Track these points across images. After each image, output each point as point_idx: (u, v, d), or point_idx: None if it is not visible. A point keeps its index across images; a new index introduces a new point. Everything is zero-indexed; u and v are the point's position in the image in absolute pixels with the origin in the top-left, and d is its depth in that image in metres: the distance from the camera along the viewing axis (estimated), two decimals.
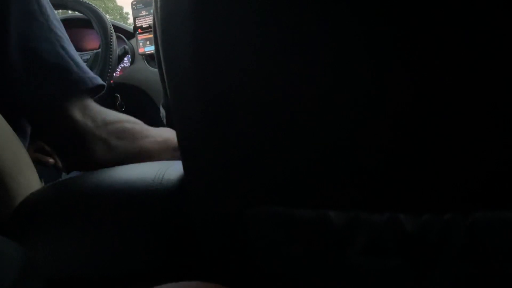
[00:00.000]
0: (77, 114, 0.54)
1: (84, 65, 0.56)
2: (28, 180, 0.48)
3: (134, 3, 1.28)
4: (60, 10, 1.29)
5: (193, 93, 0.30)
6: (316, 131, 0.28)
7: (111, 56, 1.10)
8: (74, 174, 0.83)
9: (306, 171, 0.29)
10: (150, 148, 0.60)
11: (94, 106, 0.57)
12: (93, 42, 1.28)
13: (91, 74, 0.56)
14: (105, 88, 0.59)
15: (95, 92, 0.58)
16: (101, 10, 1.19)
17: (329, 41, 0.25)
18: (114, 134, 0.57)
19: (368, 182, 0.27)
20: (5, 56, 0.51)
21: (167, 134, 0.64)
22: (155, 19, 0.32)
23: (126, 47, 1.31)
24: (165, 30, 0.30)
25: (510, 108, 0.24)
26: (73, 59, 0.54)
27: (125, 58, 1.36)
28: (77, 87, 0.54)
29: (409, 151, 0.26)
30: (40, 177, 0.54)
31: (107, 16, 1.21)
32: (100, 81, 0.57)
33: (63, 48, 0.54)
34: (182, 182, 0.41)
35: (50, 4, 0.56)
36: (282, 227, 0.28)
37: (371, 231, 0.26)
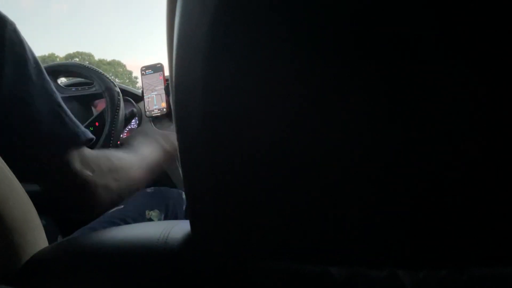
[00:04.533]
0: (77, 164, 0.58)
1: (75, 119, 0.61)
2: (36, 238, 0.49)
3: (143, 68, 1.34)
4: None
5: (200, 150, 0.32)
6: (320, 192, 0.29)
7: (114, 124, 1.14)
8: (77, 233, 0.83)
9: (309, 228, 0.29)
10: (137, 177, 0.67)
11: (90, 154, 0.61)
12: (103, 104, 1.32)
13: (82, 128, 0.61)
14: (93, 141, 0.63)
15: (85, 145, 0.62)
16: (111, 75, 1.24)
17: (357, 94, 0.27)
18: (113, 178, 0.62)
19: (367, 239, 0.28)
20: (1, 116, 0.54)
21: (144, 152, 0.71)
22: (170, 80, 0.35)
23: (134, 110, 1.36)
24: (178, 92, 0.33)
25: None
26: (67, 115, 0.59)
27: (133, 120, 1.40)
28: (73, 141, 0.58)
29: (407, 210, 0.27)
30: None
31: (117, 80, 1.26)
32: (90, 135, 0.61)
33: (59, 105, 0.58)
34: (187, 240, 0.42)
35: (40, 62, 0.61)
36: (286, 281, 0.29)
37: (371, 285, 0.26)
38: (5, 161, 0.48)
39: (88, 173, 0.59)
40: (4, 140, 0.54)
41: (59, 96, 0.60)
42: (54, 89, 0.60)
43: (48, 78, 0.60)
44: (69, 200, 0.60)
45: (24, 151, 0.56)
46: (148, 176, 0.70)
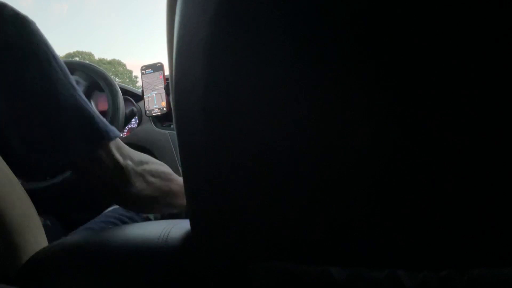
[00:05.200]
0: (117, 154, 0.58)
1: (102, 117, 0.60)
2: (36, 238, 0.49)
3: (143, 68, 1.34)
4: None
5: (200, 150, 0.32)
6: (319, 192, 0.29)
7: (118, 116, 1.14)
8: (74, 233, 0.83)
9: (309, 229, 0.29)
10: (177, 189, 0.67)
11: (127, 148, 0.62)
12: (102, 104, 1.32)
13: (110, 126, 0.60)
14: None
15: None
16: (111, 74, 1.24)
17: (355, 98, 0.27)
18: (150, 172, 0.63)
19: (368, 239, 0.28)
20: (30, 117, 0.53)
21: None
22: (170, 79, 0.35)
23: (134, 109, 1.36)
24: (178, 91, 0.33)
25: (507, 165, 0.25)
26: (95, 112, 0.58)
27: (133, 120, 1.40)
28: (104, 137, 0.57)
29: (409, 211, 0.27)
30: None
31: (117, 79, 1.26)
32: (118, 132, 0.61)
33: (86, 102, 0.57)
34: (187, 240, 0.42)
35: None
36: (285, 282, 0.29)
37: (372, 286, 0.26)
38: (28, 157, 0.48)
39: (128, 161, 0.60)
40: (31, 137, 0.53)
41: (83, 95, 0.59)
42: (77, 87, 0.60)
43: (71, 76, 0.60)
44: (111, 187, 0.60)
45: (52, 147, 0.54)
46: (182, 196, 0.68)
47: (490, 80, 0.24)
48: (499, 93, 0.24)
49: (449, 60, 0.24)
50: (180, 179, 0.68)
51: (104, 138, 0.57)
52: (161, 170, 0.66)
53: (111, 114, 1.16)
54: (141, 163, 0.63)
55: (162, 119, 1.38)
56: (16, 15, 0.54)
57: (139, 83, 1.52)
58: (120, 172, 0.58)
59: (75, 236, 0.50)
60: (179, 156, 0.36)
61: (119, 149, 0.60)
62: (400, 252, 0.28)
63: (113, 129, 0.60)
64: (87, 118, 0.56)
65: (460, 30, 0.24)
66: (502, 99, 0.24)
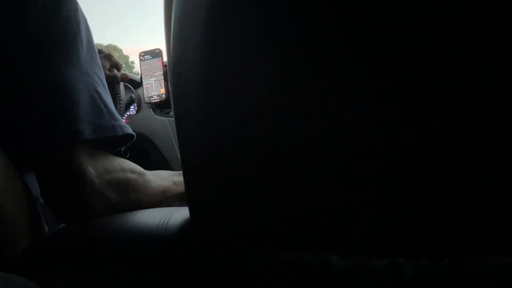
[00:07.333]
0: (84, 157, 0.52)
1: (116, 112, 0.56)
2: (35, 225, 0.49)
3: (142, 54, 1.33)
4: None
5: (199, 137, 0.31)
6: (319, 179, 0.29)
7: (120, 103, 1.13)
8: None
9: (309, 217, 0.29)
10: (147, 200, 0.59)
11: (102, 154, 0.56)
12: None
13: (122, 122, 0.56)
14: (134, 139, 0.58)
15: (123, 141, 0.57)
16: None
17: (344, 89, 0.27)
18: (111, 184, 0.55)
19: (369, 227, 0.28)
20: (33, 91, 0.50)
21: (166, 184, 0.64)
22: (168, 65, 0.34)
23: (133, 96, 1.35)
24: (176, 74, 0.32)
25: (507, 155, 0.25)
26: (105, 105, 0.54)
27: (132, 107, 1.39)
28: (106, 132, 0.53)
29: (409, 198, 0.27)
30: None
31: None
32: (130, 130, 0.56)
33: (97, 92, 0.54)
34: (186, 228, 0.42)
35: (95, 48, 0.57)
36: (285, 271, 0.29)
37: (372, 275, 0.26)
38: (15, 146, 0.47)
39: (90, 169, 0.51)
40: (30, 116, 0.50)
41: (101, 84, 0.55)
42: (101, 75, 0.56)
43: (99, 63, 0.57)
44: (62, 197, 0.52)
45: (42, 130, 0.50)
46: (156, 204, 0.60)
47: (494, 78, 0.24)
48: (499, 92, 0.24)
49: (453, 56, 0.24)
50: (159, 185, 0.62)
51: (69, 136, 0.49)
52: (130, 182, 0.57)
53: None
54: (106, 172, 0.54)
55: (161, 106, 1.37)
56: None
57: (136, 69, 1.51)
58: (76, 178, 0.50)
59: (75, 223, 0.50)
60: (178, 143, 0.36)
61: (92, 153, 0.52)
62: (400, 240, 0.27)
63: (119, 127, 0.54)
64: (63, 104, 0.49)
65: (467, 27, 0.23)
66: (502, 98, 0.24)
